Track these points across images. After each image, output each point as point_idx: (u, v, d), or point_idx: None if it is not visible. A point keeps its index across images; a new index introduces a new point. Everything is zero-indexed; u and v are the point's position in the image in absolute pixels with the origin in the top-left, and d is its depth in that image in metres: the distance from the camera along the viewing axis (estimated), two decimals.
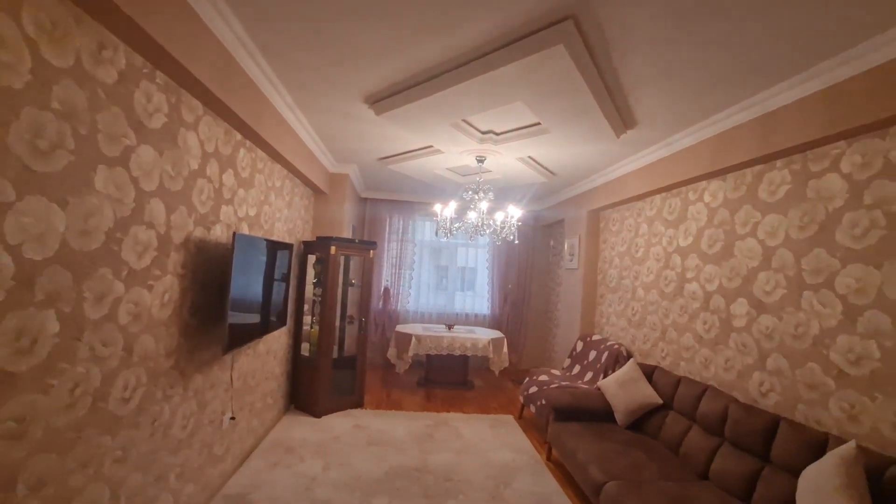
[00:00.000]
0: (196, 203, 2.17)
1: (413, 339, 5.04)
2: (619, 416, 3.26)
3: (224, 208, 2.50)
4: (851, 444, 1.78)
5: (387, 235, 6.33)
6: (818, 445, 2.00)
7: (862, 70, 1.94)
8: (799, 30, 1.82)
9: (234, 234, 2.29)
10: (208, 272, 2.34)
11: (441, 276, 6.88)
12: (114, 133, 1.55)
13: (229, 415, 2.75)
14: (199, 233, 2.23)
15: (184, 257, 2.10)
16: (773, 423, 2.27)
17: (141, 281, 1.78)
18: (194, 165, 2.13)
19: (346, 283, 4.81)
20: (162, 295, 1.94)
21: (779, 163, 2.55)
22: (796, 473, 2.00)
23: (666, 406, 3.13)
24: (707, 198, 3.17)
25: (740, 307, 2.76)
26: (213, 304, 2.41)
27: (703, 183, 3.22)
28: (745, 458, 2.33)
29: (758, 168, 2.71)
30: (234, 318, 2.39)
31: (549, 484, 3.06)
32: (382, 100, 2.80)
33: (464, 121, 3.10)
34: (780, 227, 2.50)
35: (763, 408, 2.48)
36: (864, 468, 1.73)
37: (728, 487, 2.33)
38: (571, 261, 5.26)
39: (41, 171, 1.26)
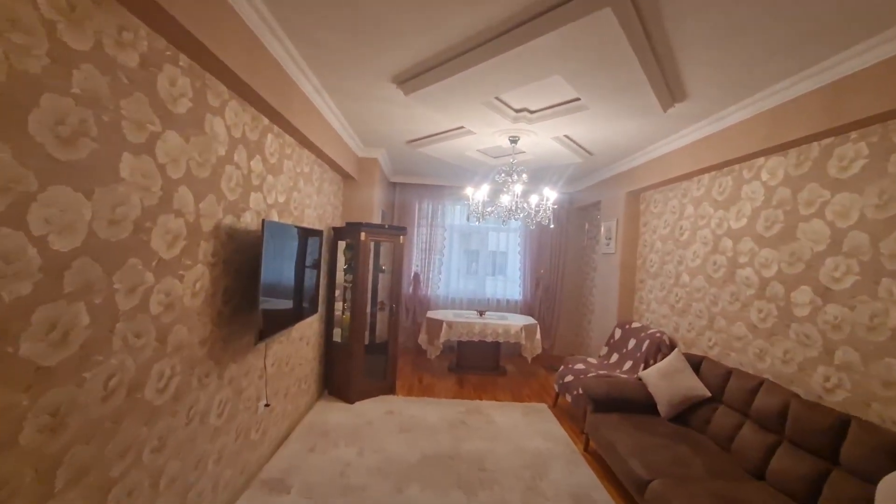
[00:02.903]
0: (225, 190, 2.14)
1: (444, 325, 4.98)
2: (661, 408, 3.10)
3: (253, 195, 2.46)
4: None
5: (416, 220, 6.25)
6: None
7: None
8: None
9: (263, 221, 2.25)
10: (240, 260, 2.32)
11: (471, 261, 6.76)
12: (139, 119, 1.51)
13: (263, 402, 2.77)
14: (228, 220, 2.19)
15: (214, 246, 2.07)
16: (841, 423, 2.06)
17: (171, 271, 1.75)
18: (221, 152, 2.08)
19: (377, 269, 4.78)
20: (193, 284, 1.92)
21: (853, 135, 2.28)
22: (871, 480, 1.82)
23: (714, 399, 2.94)
24: (765, 176, 2.89)
25: (803, 295, 2.52)
26: (246, 293, 2.39)
27: (760, 160, 2.94)
28: (809, 460, 2.14)
29: (826, 141, 2.44)
30: (267, 305, 2.37)
31: (587, 476, 2.95)
32: (411, 79, 2.67)
33: (496, 98, 2.93)
34: (854, 206, 2.24)
35: (829, 405, 2.27)
36: None
37: (787, 489, 2.15)
38: (608, 245, 5.03)
39: (65, 160, 1.22)
